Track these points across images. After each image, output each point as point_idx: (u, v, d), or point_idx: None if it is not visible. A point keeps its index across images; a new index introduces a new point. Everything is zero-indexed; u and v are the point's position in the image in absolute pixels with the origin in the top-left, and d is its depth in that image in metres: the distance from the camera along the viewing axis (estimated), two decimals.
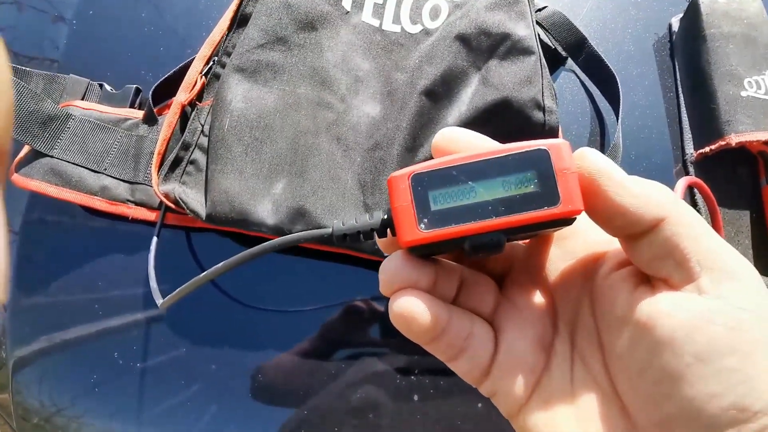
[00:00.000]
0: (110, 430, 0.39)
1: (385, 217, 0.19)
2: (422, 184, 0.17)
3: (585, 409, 0.18)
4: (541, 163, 0.17)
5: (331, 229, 0.19)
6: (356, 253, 0.37)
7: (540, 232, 0.19)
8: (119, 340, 0.40)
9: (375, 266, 0.39)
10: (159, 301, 0.35)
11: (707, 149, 0.41)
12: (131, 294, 0.40)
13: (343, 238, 0.19)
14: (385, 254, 0.36)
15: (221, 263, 0.23)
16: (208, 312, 0.40)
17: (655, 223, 0.16)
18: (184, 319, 0.40)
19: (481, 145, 0.18)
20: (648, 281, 0.18)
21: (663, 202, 0.16)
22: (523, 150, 0.17)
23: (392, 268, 0.18)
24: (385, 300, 0.39)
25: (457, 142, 0.18)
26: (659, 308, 0.16)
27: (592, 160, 0.17)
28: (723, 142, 0.40)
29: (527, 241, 0.21)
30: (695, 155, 0.42)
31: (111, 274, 0.41)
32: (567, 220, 0.17)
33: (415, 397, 0.38)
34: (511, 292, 0.20)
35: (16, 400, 0.40)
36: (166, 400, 0.39)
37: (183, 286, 0.30)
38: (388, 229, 0.19)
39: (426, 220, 0.17)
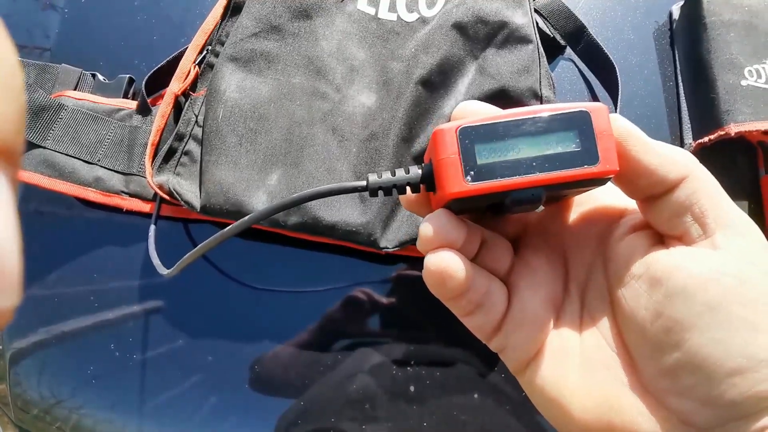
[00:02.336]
0: (109, 421, 0.39)
1: (421, 171, 0.19)
2: (469, 138, 0.17)
3: (591, 362, 0.19)
4: (582, 124, 0.17)
5: (365, 182, 0.19)
6: (352, 244, 0.37)
7: (575, 190, 0.20)
8: (115, 332, 0.40)
9: (371, 257, 0.39)
10: (164, 272, 0.34)
11: (706, 139, 0.40)
12: (127, 286, 0.40)
13: (376, 191, 0.19)
14: (383, 247, 0.36)
15: (244, 218, 0.22)
16: (204, 303, 0.40)
17: (677, 182, 0.17)
18: (179, 311, 0.40)
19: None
20: (662, 242, 0.19)
21: (685, 162, 0.17)
22: (567, 110, 0.18)
23: (435, 226, 0.18)
24: (381, 291, 0.39)
25: (477, 114, 0.19)
26: (675, 262, 0.17)
27: (619, 124, 0.18)
28: (722, 132, 0.39)
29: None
30: (694, 145, 0.41)
31: (107, 266, 0.41)
32: (603, 180, 0.18)
33: (412, 388, 0.38)
34: (526, 254, 0.21)
35: (15, 391, 0.40)
36: (164, 391, 0.39)
37: (193, 250, 0.28)
38: (422, 185, 0.19)
39: (473, 173, 0.17)
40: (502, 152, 0.17)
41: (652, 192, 0.18)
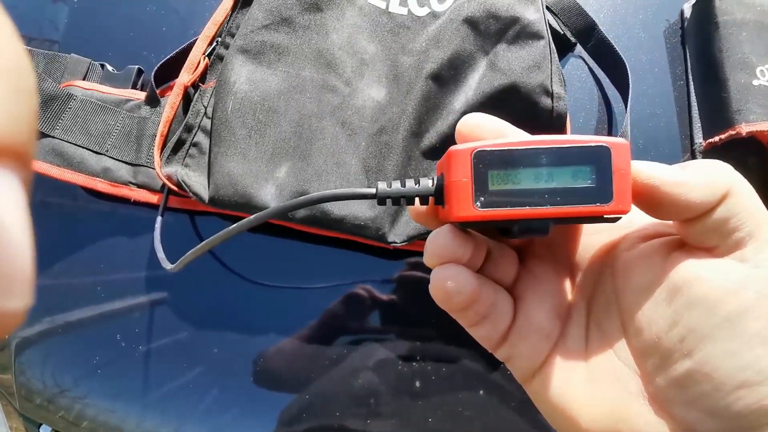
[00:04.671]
0: (113, 411, 0.39)
1: (433, 186, 0.19)
2: (483, 162, 0.17)
3: (598, 373, 0.19)
4: (600, 160, 0.17)
5: (375, 190, 0.19)
6: (359, 239, 0.37)
7: (584, 222, 0.19)
8: (121, 323, 0.40)
9: (378, 252, 0.39)
10: (168, 266, 0.34)
11: (716, 139, 0.40)
12: (133, 276, 0.40)
13: (385, 200, 0.19)
14: (391, 241, 0.36)
15: (251, 217, 0.22)
16: (209, 295, 0.40)
17: (718, 203, 0.17)
18: (185, 302, 0.40)
19: (507, 131, 0.19)
20: (681, 248, 0.18)
21: (724, 179, 0.17)
22: (586, 144, 0.17)
23: (441, 242, 0.18)
24: (387, 286, 0.39)
25: (481, 128, 0.19)
26: (698, 273, 0.17)
27: (648, 173, 0.17)
28: (733, 132, 0.39)
29: None
30: (704, 145, 0.41)
31: (113, 257, 0.41)
32: (614, 218, 0.18)
33: (417, 384, 0.38)
34: (532, 264, 0.21)
35: (20, 381, 0.40)
36: (168, 382, 0.39)
37: (197, 246, 0.28)
38: (430, 198, 0.19)
39: (482, 199, 0.17)
40: (514, 180, 0.17)
41: (694, 215, 0.17)
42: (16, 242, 0.08)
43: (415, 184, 0.19)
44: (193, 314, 0.40)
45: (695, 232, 0.17)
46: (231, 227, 0.23)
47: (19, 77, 0.08)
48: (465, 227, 0.19)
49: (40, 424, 0.41)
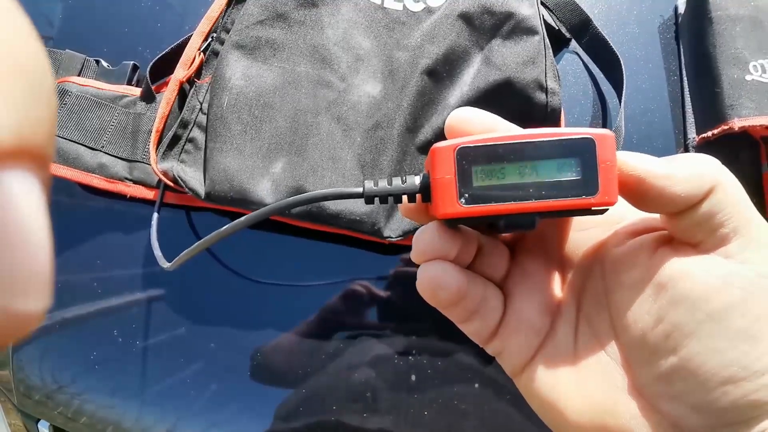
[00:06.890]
0: (111, 406, 0.39)
1: (419, 183, 0.19)
2: (467, 159, 0.17)
3: (586, 367, 0.19)
4: (585, 152, 0.17)
5: (362, 189, 0.19)
6: (355, 233, 0.37)
7: (571, 215, 0.19)
8: (119, 319, 0.40)
9: (373, 247, 0.39)
10: (165, 264, 0.34)
11: (709, 133, 0.40)
12: (130, 272, 0.40)
13: (372, 199, 0.19)
14: (386, 236, 0.36)
15: (244, 218, 0.22)
16: (207, 290, 0.40)
17: (704, 197, 0.17)
18: (182, 298, 0.40)
19: (497, 125, 0.19)
20: (668, 244, 0.18)
21: (711, 174, 0.17)
22: (570, 136, 0.17)
23: (427, 239, 0.18)
24: (383, 281, 0.40)
25: (471, 123, 0.18)
26: (683, 269, 0.17)
27: (633, 164, 0.17)
28: (725, 127, 0.39)
29: None
30: (697, 140, 0.41)
31: (110, 253, 0.41)
32: (601, 210, 0.18)
33: (413, 378, 0.38)
34: (522, 259, 0.21)
35: (18, 377, 0.40)
36: (166, 378, 0.39)
37: (193, 246, 0.28)
38: (418, 195, 0.19)
39: (467, 195, 0.17)
40: (499, 176, 0.17)
41: (679, 210, 0.17)
42: (36, 244, 0.08)
43: (402, 183, 0.19)
44: (190, 310, 0.40)
45: (681, 226, 0.17)
46: (225, 227, 0.23)
47: (38, 78, 0.08)
48: (452, 224, 0.19)
49: (38, 420, 0.42)
